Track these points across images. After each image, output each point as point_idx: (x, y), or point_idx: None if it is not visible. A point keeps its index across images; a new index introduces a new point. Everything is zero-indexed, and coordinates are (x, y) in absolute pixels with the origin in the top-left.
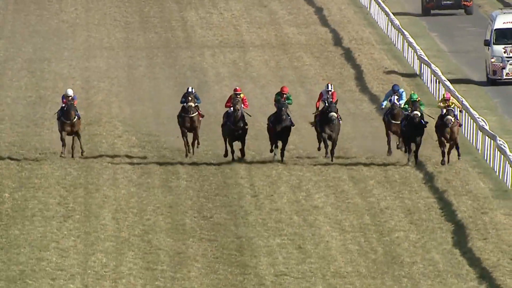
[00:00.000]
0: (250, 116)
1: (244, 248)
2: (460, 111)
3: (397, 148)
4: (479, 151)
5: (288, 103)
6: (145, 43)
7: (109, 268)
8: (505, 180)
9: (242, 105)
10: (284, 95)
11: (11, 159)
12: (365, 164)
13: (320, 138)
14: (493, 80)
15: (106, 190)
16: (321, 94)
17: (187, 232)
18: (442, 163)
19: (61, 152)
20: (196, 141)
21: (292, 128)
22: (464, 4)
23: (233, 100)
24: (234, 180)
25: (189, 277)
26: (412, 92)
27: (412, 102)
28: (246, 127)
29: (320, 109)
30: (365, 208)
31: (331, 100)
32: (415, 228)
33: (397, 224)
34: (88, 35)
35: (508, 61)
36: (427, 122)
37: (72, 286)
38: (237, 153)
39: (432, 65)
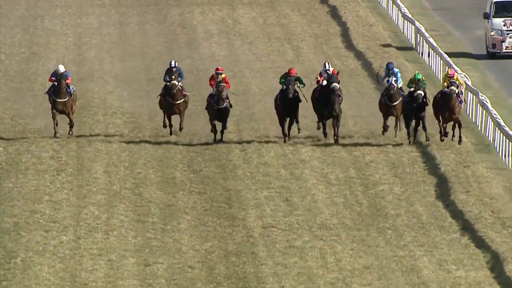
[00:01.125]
0: (235, 94)
1: (232, 200)
2: (462, 90)
3: (383, 132)
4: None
5: (301, 87)
6: (136, 0)
7: (101, 220)
8: (487, 135)
9: (225, 85)
10: (292, 77)
11: (5, 114)
12: (350, 119)
13: (319, 117)
14: (493, 54)
15: (98, 144)
16: (320, 74)
17: (177, 185)
18: (441, 139)
19: (54, 134)
20: (181, 123)
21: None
22: None
23: (216, 82)
24: (223, 135)
25: (179, 229)
26: (417, 72)
27: (416, 82)
28: (230, 107)
29: (320, 84)
30: (351, 161)
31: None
32: (399, 181)
33: (382, 178)
34: None
35: (507, 34)
36: (427, 104)
37: (65, 237)
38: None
39: (416, 22)
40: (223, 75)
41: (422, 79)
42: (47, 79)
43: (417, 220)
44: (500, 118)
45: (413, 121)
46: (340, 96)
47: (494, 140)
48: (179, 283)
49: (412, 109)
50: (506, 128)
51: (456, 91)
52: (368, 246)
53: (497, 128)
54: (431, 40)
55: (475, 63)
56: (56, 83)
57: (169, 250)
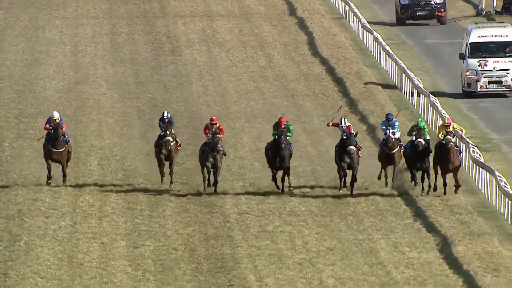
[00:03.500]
0: (224, 155)
1: (211, 190)
2: (461, 137)
3: (378, 178)
4: (415, 107)
5: (288, 135)
6: (126, 13)
7: (95, 208)
8: (436, 132)
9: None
10: (282, 126)
11: (10, 113)
12: (316, 118)
13: (339, 171)
14: (468, 93)
15: (92, 140)
16: (337, 124)
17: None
18: (434, 190)
19: (47, 180)
20: (171, 172)
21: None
22: (438, 14)
23: (212, 129)
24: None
25: (164, 215)
26: (420, 119)
27: (417, 130)
28: (224, 155)
29: (339, 141)
30: (317, 156)
31: (349, 132)
32: (359, 172)
33: None
34: (76, 6)
35: (482, 74)
36: (431, 151)
37: (63, 223)
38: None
39: (374, 32)
40: (217, 125)
41: (424, 127)
42: (47, 83)
43: (375, 208)
44: (448, 116)
45: (419, 172)
46: (359, 152)
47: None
48: (164, 263)
49: (414, 158)
50: (455, 125)
51: (452, 140)
52: (332, 231)
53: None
54: (387, 48)
55: (426, 68)
56: (52, 132)
57: (156, 234)
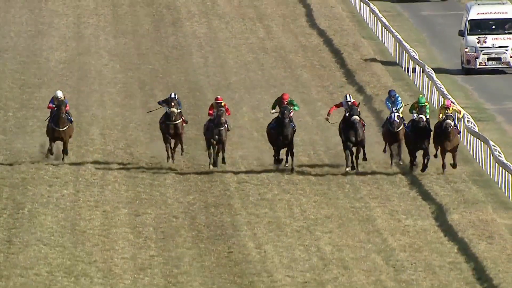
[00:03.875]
0: (229, 130)
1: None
2: (462, 117)
3: (383, 151)
4: (410, 77)
5: (295, 109)
6: None
7: (97, 176)
8: (432, 101)
9: (224, 110)
10: (285, 102)
11: (14, 84)
12: (313, 89)
13: (345, 148)
14: (467, 69)
15: (94, 110)
16: (340, 104)
17: (164, 145)
18: (443, 169)
19: (46, 156)
20: (180, 147)
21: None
22: None
23: (216, 108)
24: (203, 102)
25: (165, 184)
26: (421, 95)
27: (419, 107)
28: (228, 131)
29: (342, 118)
30: (314, 125)
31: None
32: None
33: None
34: None
35: (481, 51)
36: (431, 131)
37: (66, 191)
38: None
39: (371, 4)
40: (223, 104)
41: (426, 104)
42: (50, 54)
43: (372, 176)
44: (443, 87)
45: (418, 150)
46: (364, 125)
47: (438, 105)
48: (165, 230)
49: (415, 137)
50: (449, 96)
51: (452, 124)
52: (329, 199)
53: (441, 96)
54: (383, 19)
55: (422, 39)
56: (55, 109)
57: (157, 202)
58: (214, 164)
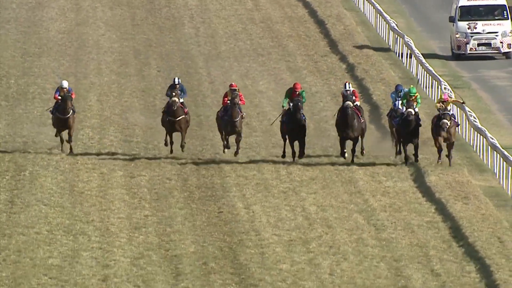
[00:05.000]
0: (243, 118)
1: (202, 124)
2: (463, 102)
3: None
4: (391, 47)
5: (303, 101)
6: None
7: (95, 140)
8: (411, 70)
9: (239, 101)
10: (297, 92)
11: (16, 53)
12: (299, 57)
13: (341, 141)
14: (458, 55)
15: (92, 78)
16: (342, 95)
17: (157, 111)
18: (438, 161)
19: (62, 150)
20: (182, 141)
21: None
22: None
23: (231, 94)
24: (194, 70)
25: (159, 147)
26: (412, 86)
27: (409, 97)
28: (243, 120)
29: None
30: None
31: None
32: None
33: (325, 105)
34: None
35: (472, 36)
36: (420, 124)
37: (65, 154)
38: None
39: None
40: (237, 91)
41: (416, 96)
42: (50, 25)
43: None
44: (422, 56)
45: (408, 144)
46: (360, 116)
47: (417, 74)
48: (158, 191)
49: (404, 129)
50: (427, 65)
51: (449, 124)
52: (314, 161)
53: (419, 64)
54: None
55: (402, 10)
56: (60, 101)
57: (151, 164)
58: (227, 147)
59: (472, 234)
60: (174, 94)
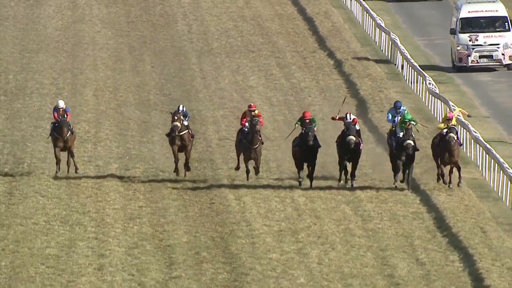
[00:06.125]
0: (262, 143)
1: (195, 118)
2: (469, 115)
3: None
4: (377, 43)
5: (314, 125)
6: None
7: (91, 134)
8: (396, 65)
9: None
10: (307, 120)
11: (14, 49)
12: (288, 54)
13: (340, 163)
14: (459, 67)
15: (88, 73)
16: (342, 118)
17: (151, 105)
18: (445, 183)
19: (56, 171)
20: (187, 163)
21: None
22: None
23: (251, 117)
24: (187, 65)
25: (153, 141)
26: (406, 112)
27: (405, 128)
28: (262, 144)
29: (341, 132)
30: (289, 87)
31: (350, 122)
32: (327, 102)
33: (314, 100)
34: None
35: (473, 49)
36: (417, 149)
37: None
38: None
39: None
40: (256, 112)
41: (412, 121)
42: (48, 22)
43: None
44: (407, 52)
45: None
46: (360, 143)
47: (403, 69)
48: (152, 183)
49: (401, 157)
50: (412, 61)
51: (455, 138)
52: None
53: (405, 61)
54: None
55: (387, 7)
56: (58, 124)
57: (145, 157)
58: (247, 171)
59: (456, 225)
60: (176, 118)
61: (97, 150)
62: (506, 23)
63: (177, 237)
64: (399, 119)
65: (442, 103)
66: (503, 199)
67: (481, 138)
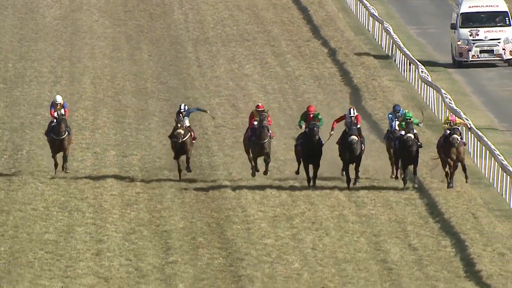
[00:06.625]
0: (271, 138)
1: (191, 105)
2: (470, 128)
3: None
4: (370, 32)
5: (319, 125)
6: None
7: (89, 121)
8: (390, 55)
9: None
10: (311, 115)
11: (14, 38)
12: (283, 42)
13: (343, 163)
14: (460, 62)
15: (86, 62)
16: (343, 116)
17: (148, 93)
18: (449, 186)
19: (55, 173)
20: (187, 164)
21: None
22: None
23: (259, 115)
24: (184, 54)
25: (150, 128)
26: (407, 110)
27: (405, 122)
28: (271, 139)
29: (342, 132)
30: (284, 75)
31: (353, 123)
32: (321, 90)
33: (308, 88)
34: None
35: (474, 43)
36: (421, 146)
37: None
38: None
39: None
40: (266, 112)
41: (412, 119)
42: (46, 11)
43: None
44: (400, 40)
45: (408, 165)
46: (362, 144)
47: (395, 58)
48: (149, 170)
49: (404, 153)
50: (405, 49)
51: (459, 139)
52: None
53: (397, 49)
54: None
55: None
56: (55, 122)
57: (142, 144)
58: (256, 169)
59: (448, 211)
60: (179, 125)
61: (95, 137)
62: (507, 18)
63: (173, 223)
64: (400, 119)
65: (434, 91)
66: (494, 186)
67: (472, 126)
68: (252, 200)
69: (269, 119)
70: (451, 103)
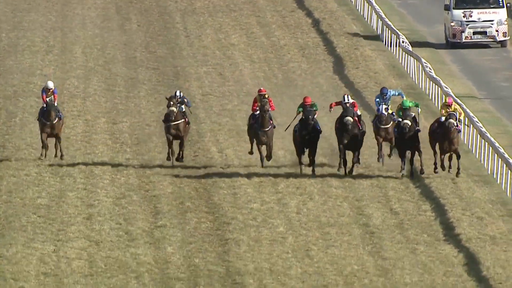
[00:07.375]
0: (274, 127)
1: (179, 74)
2: (466, 124)
3: (389, 157)
4: (353, 3)
5: (314, 110)
6: None
7: (80, 89)
8: (371, 25)
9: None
10: (308, 106)
11: (7, 8)
12: (277, 29)
13: (340, 149)
14: (453, 43)
15: (77, 32)
16: (340, 102)
17: (137, 62)
18: (443, 169)
19: (41, 154)
20: (181, 151)
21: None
22: None
23: (261, 101)
24: (172, 24)
25: (139, 96)
26: (405, 99)
27: (403, 110)
28: (274, 128)
29: (339, 115)
30: (269, 45)
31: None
32: (305, 60)
33: (293, 57)
34: None
35: (467, 25)
36: (419, 130)
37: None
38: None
39: None
40: (267, 97)
41: (410, 107)
42: None
43: (319, 89)
44: (382, 11)
45: (409, 152)
46: (360, 128)
47: (377, 28)
48: (139, 136)
49: (402, 140)
50: (386, 19)
51: (455, 124)
52: (282, 108)
53: (379, 19)
54: None
55: None
56: (46, 108)
57: (131, 112)
58: (262, 158)
59: (428, 176)
60: (172, 103)
61: (86, 105)
62: (500, 0)
63: (162, 188)
64: (397, 108)
65: (415, 60)
66: (473, 152)
67: (451, 93)
68: (238, 165)
69: (271, 104)
70: (431, 72)
